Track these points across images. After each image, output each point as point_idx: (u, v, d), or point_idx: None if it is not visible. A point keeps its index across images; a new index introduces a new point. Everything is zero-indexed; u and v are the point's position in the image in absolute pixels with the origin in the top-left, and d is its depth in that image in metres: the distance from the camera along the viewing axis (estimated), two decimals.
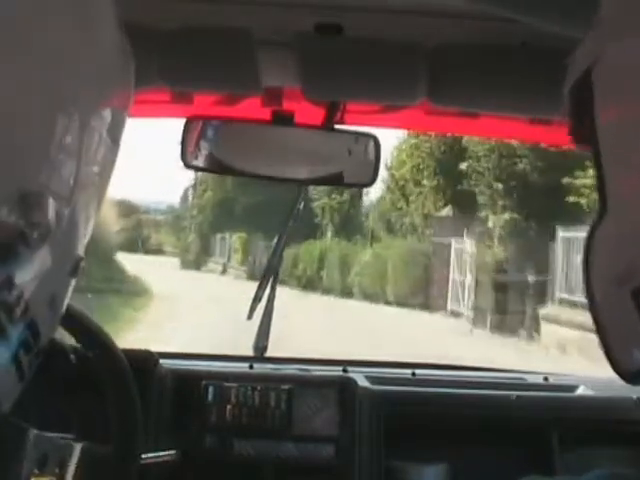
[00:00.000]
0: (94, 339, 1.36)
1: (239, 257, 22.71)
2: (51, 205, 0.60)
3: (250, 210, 22.07)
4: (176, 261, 24.30)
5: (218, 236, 24.48)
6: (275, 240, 1.98)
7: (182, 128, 1.49)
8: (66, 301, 0.72)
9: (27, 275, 0.60)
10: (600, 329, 0.61)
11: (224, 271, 22.95)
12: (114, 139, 0.71)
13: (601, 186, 0.59)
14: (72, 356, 1.30)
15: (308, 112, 1.50)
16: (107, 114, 0.69)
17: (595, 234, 0.61)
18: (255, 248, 20.68)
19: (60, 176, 0.61)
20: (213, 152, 1.56)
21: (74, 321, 1.34)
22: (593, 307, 0.61)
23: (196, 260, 24.14)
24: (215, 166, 1.59)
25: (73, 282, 0.72)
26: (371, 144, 1.53)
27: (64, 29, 0.58)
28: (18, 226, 0.57)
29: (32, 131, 0.57)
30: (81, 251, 0.71)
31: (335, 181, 1.66)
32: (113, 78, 0.71)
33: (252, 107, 1.54)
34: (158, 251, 26.64)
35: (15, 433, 1.20)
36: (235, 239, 23.37)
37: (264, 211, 19.61)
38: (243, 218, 22.50)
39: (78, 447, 1.28)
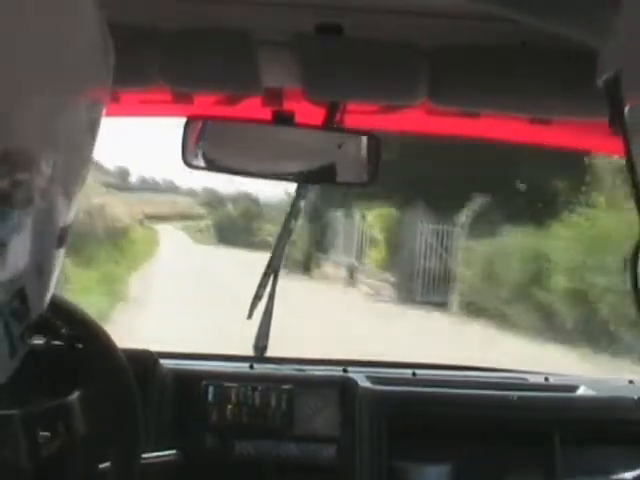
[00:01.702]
0: (93, 338, 1.36)
1: (379, 254, 12.32)
2: (34, 164, 0.61)
3: (400, 162, 9.91)
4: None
5: (339, 215, 13.85)
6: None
7: (182, 128, 1.49)
8: (55, 273, 0.73)
9: (12, 239, 0.60)
10: None
11: (350, 278, 12.96)
12: (92, 129, 0.73)
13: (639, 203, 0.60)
14: (63, 330, 1.30)
15: (308, 112, 1.51)
16: (84, 100, 0.70)
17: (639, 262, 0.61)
18: (408, 236, 11.51)
19: (40, 144, 0.62)
20: (213, 152, 1.56)
21: (73, 319, 1.34)
22: None
23: (305, 260, 14.04)
24: (215, 166, 1.59)
25: (61, 253, 0.73)
26: (372, 143, 1.53)
27: (43, 11, 0.59)
28: (1, 186, 0.57)
29: (15, 92, 0.57)
30: (67, 222, 0.71)
31: (335, 180, 1.66)
32: (92, 64, 0.72)
33: (252, 107, 1.54)
34: (268, 246, 21.54)
35: (2, 424, 1.21)
36: (373, 219, 12.49)
37: (427, 164, 10.33)
38: (387, 179, 9.70)
39: (75, 399, 1.29)
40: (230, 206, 25.43)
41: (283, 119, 1.50)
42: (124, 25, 1.30)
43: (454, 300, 10.62)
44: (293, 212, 1.90)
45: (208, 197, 29.62)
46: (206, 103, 1.58)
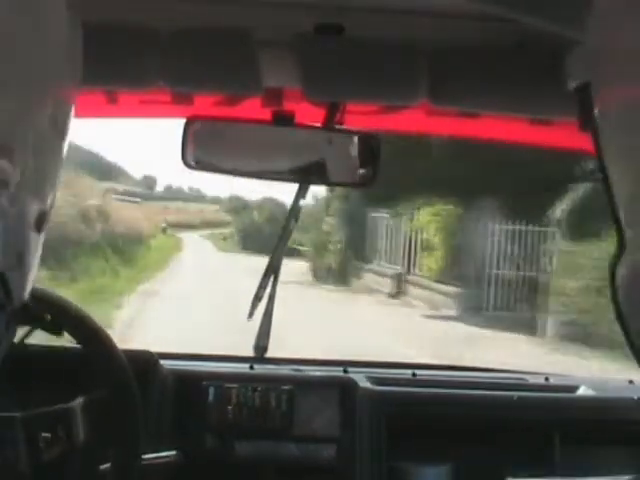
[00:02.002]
0: (93, 338, 1.36)
1: (435, 262, 10.11)
2: (7, 153, 0.62)
3: (463, 154, 8.36)
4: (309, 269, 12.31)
5: (382, 216, 11.43)
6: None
7: (182, 128, 1.49)
8: (35, 259, 0.73)
9: None
10: (631, 346, 0.63)
11: (398, 291, 10.57)
12: (60, 128, 0.74)
13: (616, 219, 0.61)
14: (47, 316, 1.29)
15: (309, 112, 1.51)
16: (52, 99, 0.71)
17: (617, 266, 0.62)
18: (475, 239, 9.14)
19: (13, 137, 0.63)
20: (212, 153, 1.56)
21: (73, 320, 1.34)
22: (624, 326, 0.62)
23: (341, 268, 11.54)
24: (215, 167, 1.59)
25: (40, 238, 0.73)
26: (372, 144, 1.53)
27: (11, 13, 0.60)
28: None
29: None
30: (44, 207, 0.72)
31: (339, 182, 1.66)
32: (59, 63, 0.73)
33: (252, 107, 1.54)
34: (291, 252, 18.85)
35: (3, 426, 1.21)
36: (426, 219, 10.34)
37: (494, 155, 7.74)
38: (445, 174, 8.81)
39: (76, 406, 1.28)
40: (255, 213, 23.94)
41: (283, 119, 1.50)
42: (124, 25, 1.30)
43: (547, 320, 8.11)
44: (293, 212, 1.90)
45: (233, 204, 29.31)
46: (206, 103, 1.58)
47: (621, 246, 0.62)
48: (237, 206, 28.03)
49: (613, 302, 0.63)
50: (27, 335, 1.37)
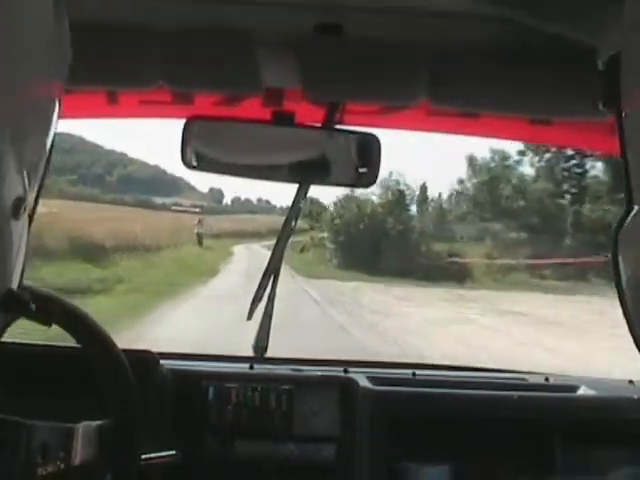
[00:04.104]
0: (93, 338, 1.36)
1: None
2: None
3: None
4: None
5: None
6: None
7: (182, 128, 1.49)
8: (14, 245, 0.73)
9: None
10: (629, 322, 0.62)
11: None
12: (44, 124, 0.74)
13: (627, 180, 0.61)
14: (32, 305, 1.26)
15: (309, 112, 1.51)
16: (36, 94, 0.72)
17: (623, 229, 0.62)
18: None
19: None
20: (213, 152, 1.56)
21: (72, 319, 1.34)
22: (622, 300, 0.62)
23: None
24: (215, 167, 1.59)
25: (19, 225, 0.73)
26: (372, 144, 1.53)
27: None
28: None
29: None
30: (20, 193, 0.72)
31: (338, 182, 1.66)
32: (44, 60, 0.73)
33: (252, 107, 1.54)
34: (461, 275, 12.40)
35: (9, 428, 1.20)
36: None
37: None
38: None
39: (80, 429, 1.28)
40: (357, 207, 17.38)
41: (283, 119, 1.50)
42: (124, 25, 1.31)
43: None
44: (293, 212, 1.89)
45: (307, 208, 19.84)
46: (206, 103, 1.58)
47: (626, 214, 0.63)
48: (313, 210, 21.84)
49: (620, 304, 0.62)
50: (10, 323, 1.34)
